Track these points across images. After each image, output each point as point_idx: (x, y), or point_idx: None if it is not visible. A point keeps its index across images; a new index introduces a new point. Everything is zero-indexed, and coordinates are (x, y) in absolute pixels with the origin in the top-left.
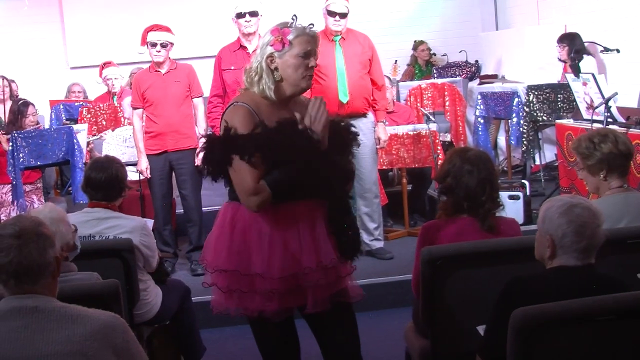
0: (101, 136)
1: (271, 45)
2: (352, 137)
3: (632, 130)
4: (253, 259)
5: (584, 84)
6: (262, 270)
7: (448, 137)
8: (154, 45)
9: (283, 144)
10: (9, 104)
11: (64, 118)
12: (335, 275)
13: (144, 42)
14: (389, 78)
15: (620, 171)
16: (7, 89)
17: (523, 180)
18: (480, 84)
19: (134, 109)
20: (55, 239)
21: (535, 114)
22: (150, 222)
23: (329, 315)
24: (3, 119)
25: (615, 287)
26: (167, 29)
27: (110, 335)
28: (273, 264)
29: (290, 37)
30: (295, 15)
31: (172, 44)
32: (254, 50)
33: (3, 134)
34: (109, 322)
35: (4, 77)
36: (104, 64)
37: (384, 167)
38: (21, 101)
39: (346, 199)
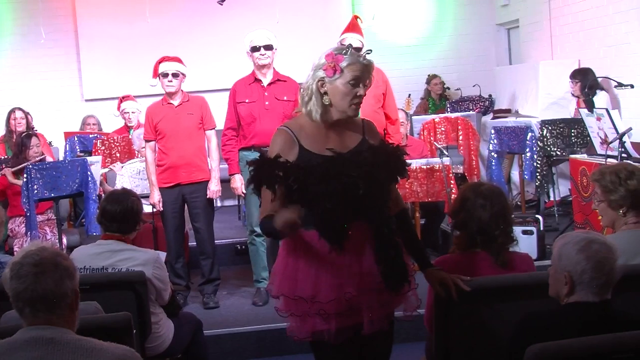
0: (111, 168)
1: (323, 70)
2: (402, 163)
3: None
4: (300, 284)
5: (598, 119)
6: (308, 295)
7: (460, 169)
8: (165, 75)
9: (309, 179)
10: None
11: (78, 150)
12: (389, 294)
13: (155, 74)
14: (405, 112)
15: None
16: (23, 121)
17: (537, 215)
18: (494, 118)
19: (147, 141)
20: (76, 272)
21: (548, 148)
22: (162, 255)
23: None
24: None
25: (633, 324)
26: (178, 60)
27: None
28: (320, 288)
29: (342, 64)
30: (350, 45)
31: (183, 74)
32: (270, 83)
33: (10, 167)
34: (124, 357)
35: (21, 109)
36: (123, 97)
37: None
38: (24, 134)
39: (388, 229)
